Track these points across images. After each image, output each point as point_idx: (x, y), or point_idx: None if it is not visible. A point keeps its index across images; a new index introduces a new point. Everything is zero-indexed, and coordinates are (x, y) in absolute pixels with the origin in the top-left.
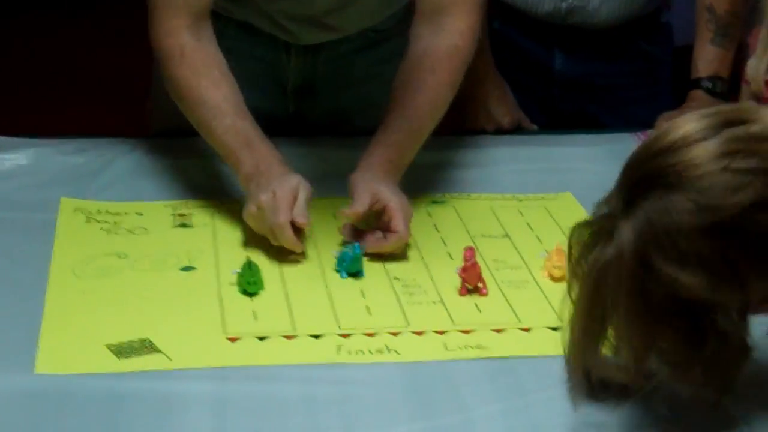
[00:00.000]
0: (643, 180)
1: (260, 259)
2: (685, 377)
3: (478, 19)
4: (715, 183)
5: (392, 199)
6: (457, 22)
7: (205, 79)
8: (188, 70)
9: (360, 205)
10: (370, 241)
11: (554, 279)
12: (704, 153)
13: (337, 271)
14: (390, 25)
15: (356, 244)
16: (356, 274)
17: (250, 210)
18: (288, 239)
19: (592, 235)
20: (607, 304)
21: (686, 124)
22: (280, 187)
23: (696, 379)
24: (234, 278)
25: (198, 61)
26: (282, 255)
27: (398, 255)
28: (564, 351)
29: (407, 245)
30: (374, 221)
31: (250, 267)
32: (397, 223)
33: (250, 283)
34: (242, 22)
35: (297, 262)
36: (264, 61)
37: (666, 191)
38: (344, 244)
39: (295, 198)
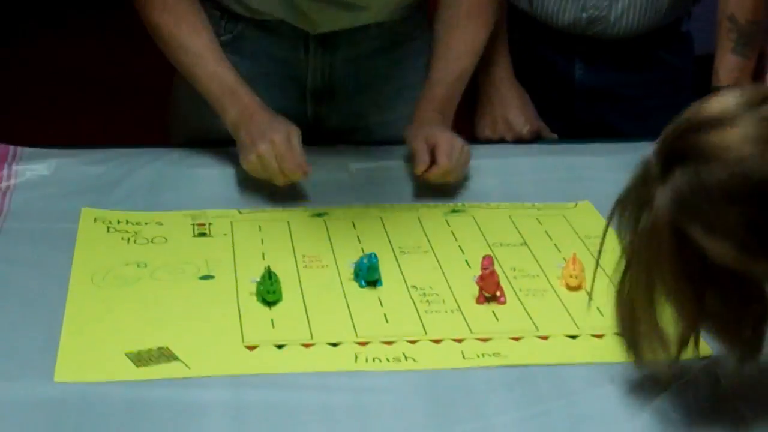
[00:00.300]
0: (679, 150)
1: (278, 268)
2: (732, 341)
3: None
4: (749, 155)
5: (439, 138)
6: None
7: (186, 26)
8: (170, 17)
9: (421, 161)
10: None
11: (570, 288)
12: (741, 130)
13: (355, 280)
14: (408, 28)
15: (372, 253)
16: (374, 282)
17: (250, 159)
18: (299, 177)
19: (632, 203)
20: (652, 270)
21: (725, 99)
22: (277, 135)
23: (742, 343)
24: (253, 287)
25: (179, 9)
26: (300, 262)
27: (418, 264)
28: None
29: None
30: None
31: (269, 277)
32: (439, 156)
33: (269, 292)
34: (260, 21)
35: (316, 268)
36: (283, 62)
37: (701, 162)
38: (362, 254)
39: (290, 142)
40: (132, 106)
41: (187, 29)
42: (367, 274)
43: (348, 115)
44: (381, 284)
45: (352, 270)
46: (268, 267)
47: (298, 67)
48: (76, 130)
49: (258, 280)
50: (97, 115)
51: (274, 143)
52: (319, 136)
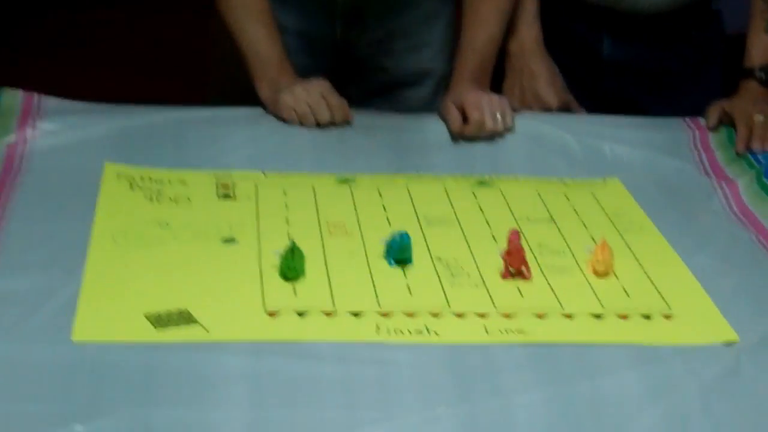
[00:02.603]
0: None
1: (302, 235)
2: None
3: None
4: None
5: (465, 96)
6: None
7: None
8: None
9: (453, 119)
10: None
11: (598, 274)
12: None
13: (385, 258)
14: None
15: (405, 233)
16: (404, 261)
17: (285, 100)
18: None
19: None
20: None
21: None
22: (312, 81)
23: None
24: (275, 260)
25: None
26: (325, 229)
27: (444, 237)
28: None
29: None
30: None
31: (293, 252)
32: (469, 111)
33: (290, 269)
34: None
35: (340, 236)
36: None
37: None
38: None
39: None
40: (165, 68)
41: None
42: (398, 253)
43: (376, 39)
44: (411, 262)
45: (383, 246)
46: (293, 242)
47: None
48: (100, 87)
49: (281, 252)
50: (125, 76)
51: (311, 85)
52: (348, 61)
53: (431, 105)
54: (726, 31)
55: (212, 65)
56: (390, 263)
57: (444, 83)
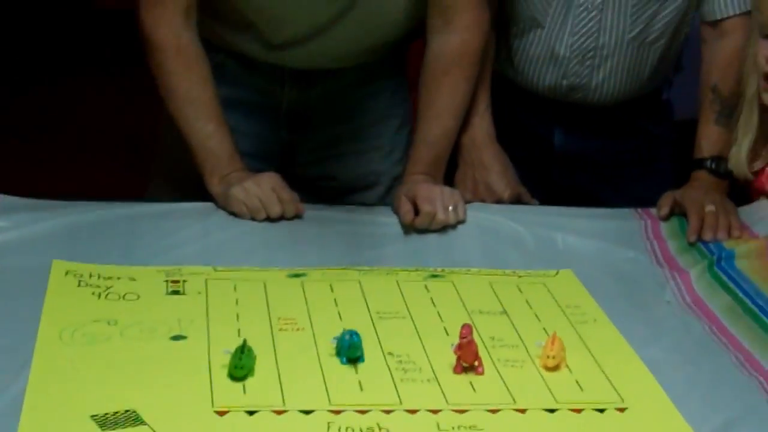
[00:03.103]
0: None
1: (253, 330)
2: None
3: (484, 14)
4: None
5: (417, 189)
6: (464, 17)
7: (197, 75)
8: (182, 64)
9: (405, 211)
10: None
11: (548, 369)
12: None
13: (337, 356)
14: (384, 67)
15: (354, 331)
16: (356, 360)
17: (236, 194)
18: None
19: None
20: None
21: None
22: (264, 176)
23: None
24: (225, 358)
25: (191, 57)
26: (275, 325)
27: (395, 331)
28: None
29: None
30: None
31: (243, 351)
32: (420, 204)
33: (238, 367)
34: (238, 53)
35: (291, 332)
36: (261, 92)
37: None
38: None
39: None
40: (107, 155)
41: (197, 79)
42: (349, 352)
43: (322, 143)
44: (363, 361)
45: (333, 346)
46: (244, 340)
47: (275, 98)
48: (47, 179)
49: (231, 351)
50: (71, 163)
51: (262, 180)
52: (293, 163)
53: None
54: (676, 117)
55: (159, 152)
56: (342, 361)
57: (395, 184)
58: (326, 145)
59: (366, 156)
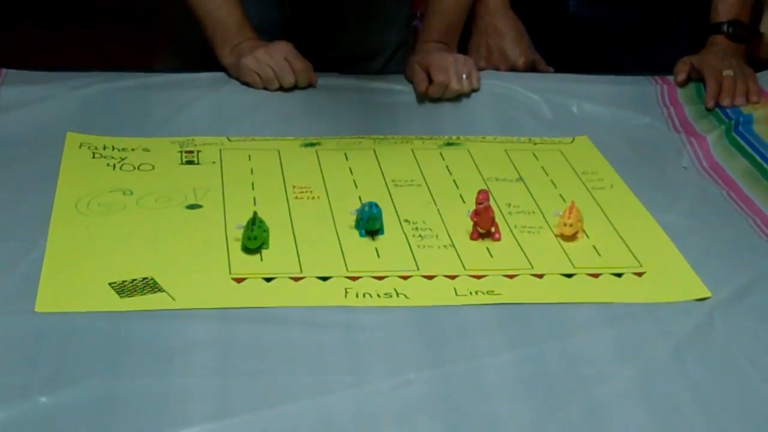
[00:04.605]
0: None
1: (268, 198)
2: None
3: None
4: None
5: (430, 58)
6: None
7: None
8: None
9: (419, 81)
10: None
11: (566, 238)
12: None
13: (356, 228)
14: None
15: (374, 203)
16: (375, 232)
17: (248, 64)
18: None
19: None
20: None
21: None
22: (274, 44)
23: None
24: (239, 233)
25: None
26: (291, 193)
27: (411, 198)
28: None
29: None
30: None
31: (254, 223)
32: (433, 74)
33: (250, 239)
34: None
35: (306, 200)
36: None
37: None
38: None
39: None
40: (119, 28)
41: None
42: (368, 224)
43: (326, 12)
44: (383, 233)
45: (353, 218)
46: (255, 213)
47: None
48: (60, 54)
49: (243, 225)
50: (84, 38)
51: (275, 49)
52: (296, 33)
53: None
54: None
55: (163, 28)
56: (361, 234)
57: (396, 55)
58: (330, 14)
59: (369, 24)
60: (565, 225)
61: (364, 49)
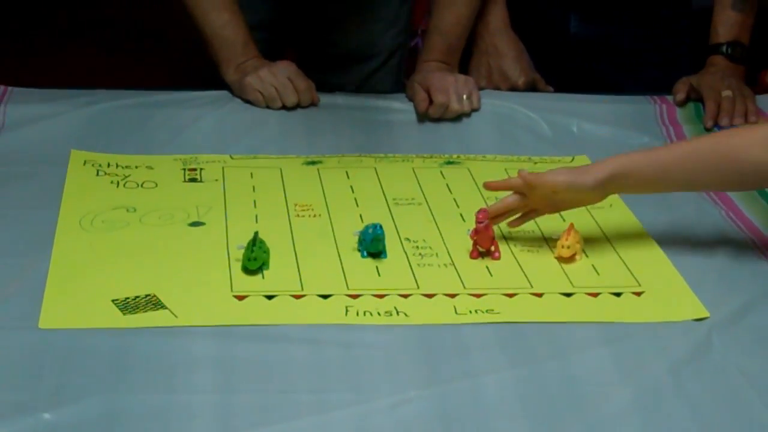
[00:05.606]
0: None
1: (270, 216)
2: None
3: None
4: None
5: (431, 78)
6: None
7: None
8: None
9: (420, 100)
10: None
11: (563, 260)
12: None
13: (358, 249)
14: None
15: (378, 225)
16: (378, 254)
17: (252, 82)
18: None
19: None
20: None
21: None
22: (279, 64)
23: None
24: (240, 253)
25: None
26: (292, 211)
27: (411, 217)
28: None
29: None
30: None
31: (254, 243)
32: (433, 94)
33: (250, 260)
34: None
35: (308, 218)
36: None
37: None
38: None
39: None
40: (124, 46)
41: None
42: (372, 245)
43: (327, 9)
44: (385, 257)
45: (355, 239)
46: (255, 233)
47: None
48: (63, 72)
49: (244, 246)
50: (88, 57)
51: (278, 68)
52: (296, 30)
53: (383, 78)
54: (693, 6)
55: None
56: (362, 255)
57: (391, 59)
58: (329, 12)
59: (369, 25)
60: (563, 247)
61: (362, 49)
